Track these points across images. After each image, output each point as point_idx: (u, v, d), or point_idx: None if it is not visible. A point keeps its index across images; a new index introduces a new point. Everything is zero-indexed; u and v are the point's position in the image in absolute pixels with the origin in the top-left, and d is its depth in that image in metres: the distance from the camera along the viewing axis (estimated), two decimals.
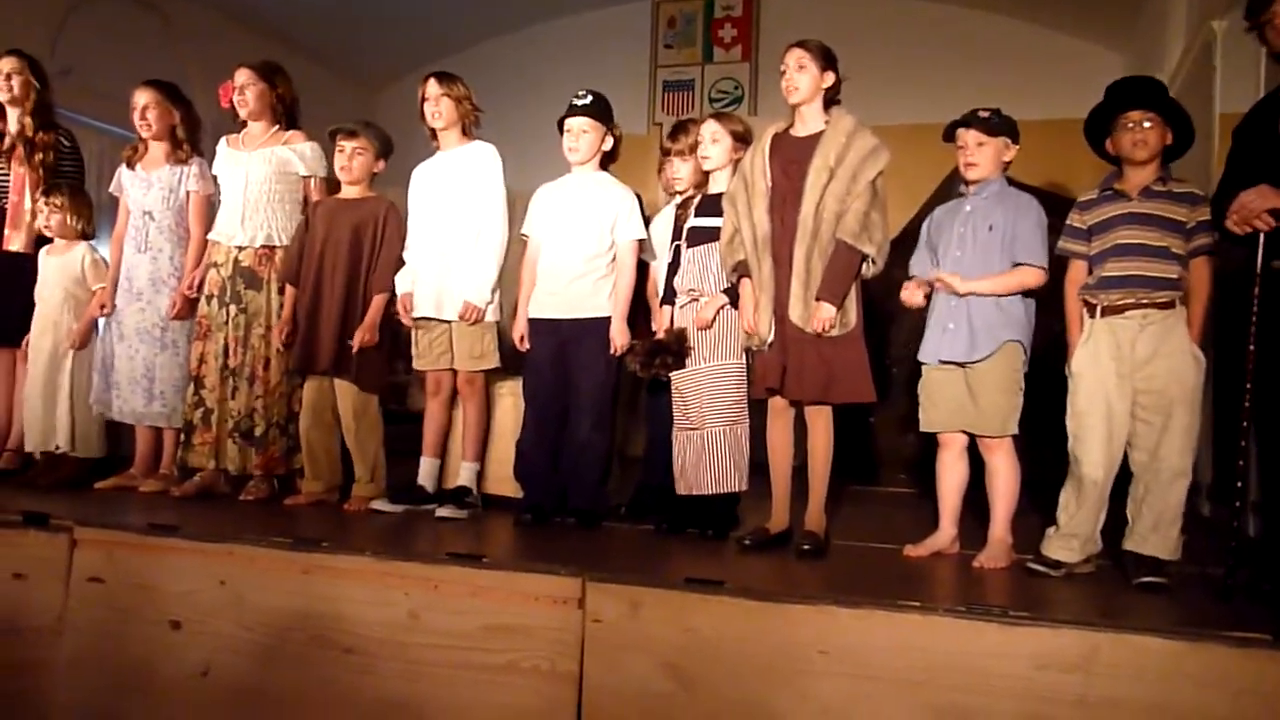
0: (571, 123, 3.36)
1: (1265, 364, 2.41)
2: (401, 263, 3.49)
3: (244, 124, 3.71)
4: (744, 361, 3.05)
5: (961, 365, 2.79)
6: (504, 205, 3.42)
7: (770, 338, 2.88)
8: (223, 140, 3.74)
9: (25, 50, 4.04)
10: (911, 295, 2.92)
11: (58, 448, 3.79)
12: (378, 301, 3.48)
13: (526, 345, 3.36)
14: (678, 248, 3.22)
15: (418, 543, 2.92)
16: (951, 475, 2.88)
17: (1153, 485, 2.55)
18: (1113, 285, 2.60)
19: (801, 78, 2.89)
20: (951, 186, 3.37)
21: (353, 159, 3.53)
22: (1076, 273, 2.73)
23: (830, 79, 2.91)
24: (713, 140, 3.12)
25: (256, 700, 2.63)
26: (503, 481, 3.53)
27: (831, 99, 2.93)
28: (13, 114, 3.96)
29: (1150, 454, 2.55)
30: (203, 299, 3.63)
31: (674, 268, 3.23)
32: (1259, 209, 2.38)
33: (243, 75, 3.64)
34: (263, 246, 3.60)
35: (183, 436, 3.60)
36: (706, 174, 3.21)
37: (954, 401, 2.81)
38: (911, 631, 2.17)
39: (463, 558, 2.60)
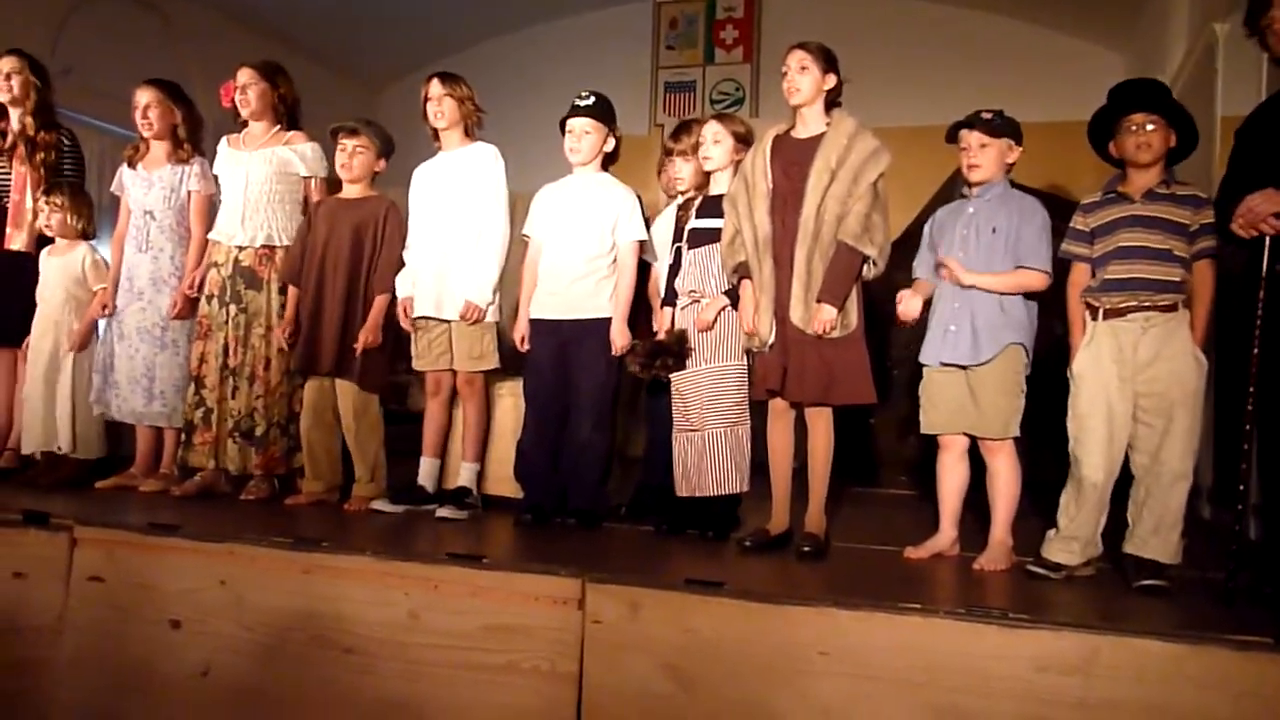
0: (573, 123, 3.36)
1: (1268, 367, 2.41)
2: (402, 263, 3.49)
3: (245, 124, 3.71)
4: (745, 363, 3.05)
5: (963, 368, 2.79)
6: (506, 206, 3.42)
7: (771, 339, 2.88)
8: (223, 140, 3.75)
9: (26, 49, 4.04)
10: (908, 306, 2.91)
11: (59, 448, 3.79)
12: (380, 302, 3.49)
13: (526, 346, 3.36)
14: (679, 249, 3.23)
15: (418, 543, 2.92)
16: (952, 477, 2.88)
17: (1153, 488, 2.54)
18: (1115, 288, 2.60)
19: (803, 79, 2.89)
20: (953, 188, 3.37)
21: (353, 157, 3.53)
22: (1079, 275, 2.73)
23: (831, 81, 2.91)
24: (714, 141, 3.12)
25: (257, 700, 2.63)
26: (503, 482, 3.53)
27: (833, 101, 2.94)
28: (14, 114, 3.96)
29: (1151, 457, 2.55)
30: (203, 299, 3.63)
31: (675, 269, 3.23)
32: (1265, 212, 2.38)
33: (244, 75, 3.64)
34: (263, 246, 3.60)
35: (183, 436, 3.60)
36: (708, 175, 3.21)
37: (955, 403, 2.81)
38: (912, 633, 2.17)
39: (463, 558, 2.60)
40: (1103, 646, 2.05)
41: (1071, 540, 2.61)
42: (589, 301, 3.31)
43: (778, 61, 2.97)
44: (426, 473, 3.50)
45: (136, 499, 3.51)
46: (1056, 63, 6.36)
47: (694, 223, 3.17)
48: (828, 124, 2.90)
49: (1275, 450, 2.52)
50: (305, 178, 3.70)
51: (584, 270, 3.31)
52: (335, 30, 6.92)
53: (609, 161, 3.46)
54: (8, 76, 3.90)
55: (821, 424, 2.89)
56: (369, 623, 2.56)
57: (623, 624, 2.36)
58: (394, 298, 3.49)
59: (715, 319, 3.06)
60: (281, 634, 2.63)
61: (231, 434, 3.54)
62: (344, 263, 3.49)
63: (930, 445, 2.99)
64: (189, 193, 3.76)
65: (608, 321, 3.29)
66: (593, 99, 3.36)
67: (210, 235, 3.67)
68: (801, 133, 2.94)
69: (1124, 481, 2.62)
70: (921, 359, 2.90)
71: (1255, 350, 2.40)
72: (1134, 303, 2.57)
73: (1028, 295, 2.79)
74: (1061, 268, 2.77)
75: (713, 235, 3.07)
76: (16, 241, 3.95)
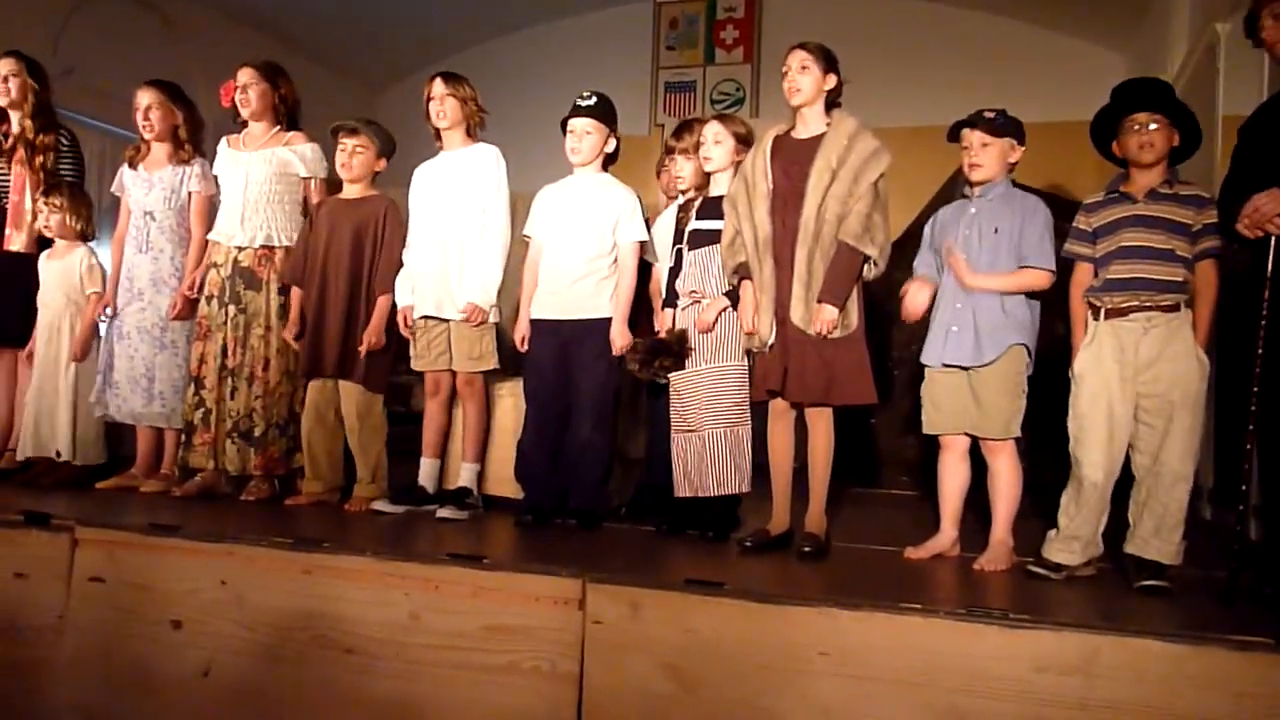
0: (575, 123, 3.36)
1: (1270, 368, 2.40)
2: (402, 263, 3.49)
3: (244, 124, 3.72)
4: (745, 363, 3.05)
5: (965, 368, 2.79)
6: (507, 207, 3.42)
7: (771, 339, 2.88)
8: (223, 140, 3.75)
9: (27, 50, 4.05)
10: (914, 299, 2.90)
11: (58, 454, 3.79)
12: (382, 303, 3.49)
13: (526, 346, 3.36)
14: (679, 251, 3.22)
15: (418, 543, 2.92)
16: (953, 477, 2.88)
17: (1154, 489, 2.54)
18: (1117, 288, 2.60)
19: (804, 79, 2.89)
20: (954, 188, 3.37)
21: (353, 157, 3.53)
22: (1082, 275, 2.72)
23: (832, 81, 2.91)
24: (715, 142, 3.12)
25: (257, 700, 2.63)
26: (503, 482, 3.53)
27: (833, 101, 2.94)
28: (14, 116, 3.96)
29: (1152, 457, 2.55)
30: (202, 299, 3.63)
31: (675, 271, 3.23)
32: (1271, 213, 2.37)
33: (246, 75, 3.64)
34: (262, 247, 3.60)
35: (183, 437, 3.60)
36: (708, 175, 3.21)
37: (957, 404, 2.81)
38: (912, 633, 2.17)
39: (463, 558, 2.60)
40: (1103, 647, 2.05)
41: (1072, 540, 2.61)
42: (590, 302, 3.31)
43: (778, 62, 2.97)
44: (427, 473, 3.50)
45: (137, 499, 3.51)
46: (1057, 63, 6.35)
47: (694, 224, 3.17)
48: (828, 124, 2.90)
49: (1276, 451, 2.52)
50: (305, 178, 3.70)
51: (584, 270, 3.31)
52: (335, 30, 6.92)
53: (609, 162, 3.46)
54: (5, 79, 3.90)
55: (822, 424, 2.89)
56: (369, 623, 2.56)
57: (623, 624, 2.36)
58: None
59: (716, 320, 3.06)
60: (282, 634, 2.63)
61: (230, 434, 3.54)
62: (345, 264, 3.49)
63: (931, 445, 2.99)
64: (189, 193, 3.76)
65: (608, 322, 3.29)
66: (594, 99, 3.36)
67: (210, 236, 3.67)
68: (802, 133, 2.94)
69: (1125, 482, 2.62)
70: (923, 359, 2.90)
71: (1259, 351, 2.40)
72: (1136, 303, 2.57)
73: (1030, 295, 2.79)
74: (1064, 267, 2.77)
75: (713, 236, 3.07)
76: (16, 243, 3.95)
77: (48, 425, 3.82)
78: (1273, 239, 2.40)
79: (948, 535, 2.89)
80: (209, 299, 3.61)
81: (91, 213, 3.98)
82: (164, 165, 3.76)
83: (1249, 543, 2.55)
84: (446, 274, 3.39)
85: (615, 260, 3.34)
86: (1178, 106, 2.65)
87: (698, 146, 3.22)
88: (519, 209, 3.47)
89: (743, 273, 2.95)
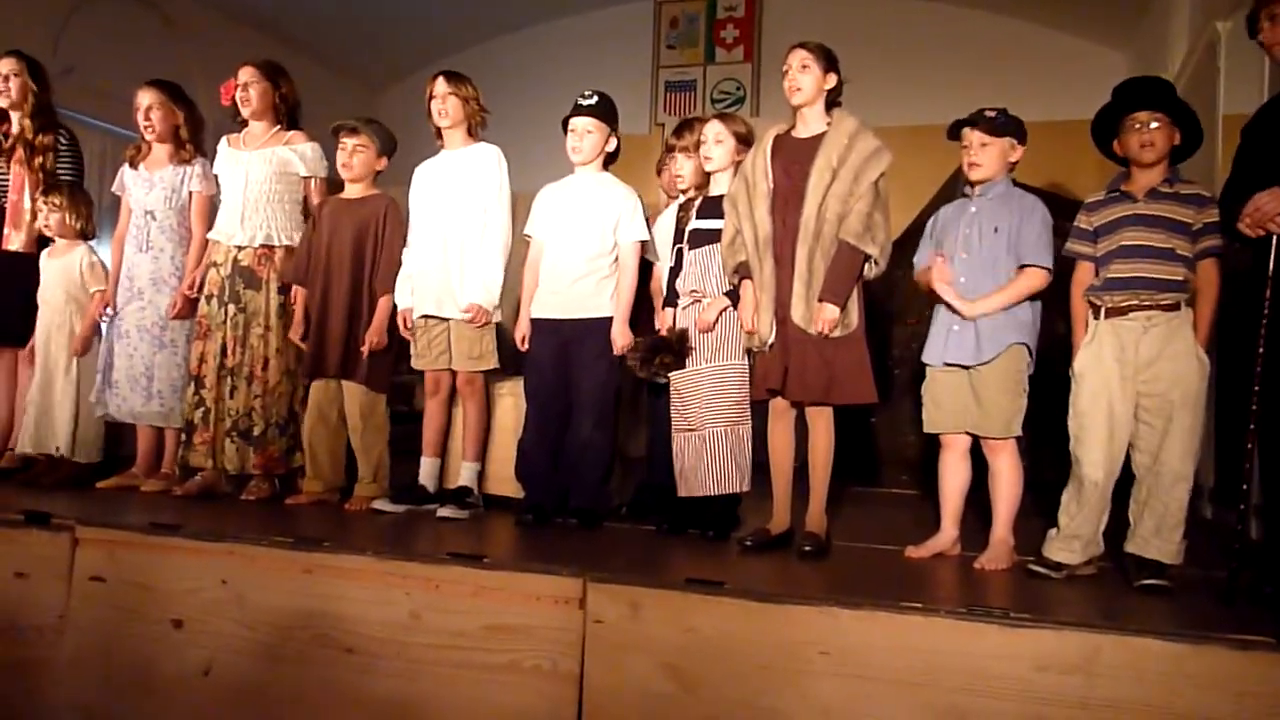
0: (576, 122, 3.36)
1: (1271, 367, 2.40)
2: (402, 263, 3.49)
3: (244, 123, 3.72)
4: (745, 362, 3.05)
5: (966, 367, 2.79)
6: (509, 207, 3.42)
7: (771, 339, 2.88)
8: (224, 140, 3.75)
9: (27, 49, 4.05)
10: (941, 271, 2.82)
11: (57, 450, 3.79)
12: (383, 303, 3.49)
13: (526, 346, 3.36)
14: (679, 250, 3.22)
15: (419, 542, 2.92)
16: (954, 476, 2.88)
17: (1154, 488, 2.54)
18: (1117, 286, 2.59)
19: (804, 78, 2.89)
20: (954, 187, 3.36)
21: (353, 156, 3.54)
22: (1083, 274, 2.72)
23: (832, 80, 2.91)
24: (716, 141, 3.12)
25: (258, 700, 2.63)
26: (504, 481, 3.53)
27: (833, 100, 2.93)
28: (13, 116, 3.96)
29: (1152, 456, 2.54)
30: (202, 298, 3.63)
31: (676, 270, 3.23)
32: (1273, 212, 2.37)
33: (247, 73, 3.65)
34: (262, 246, 3.60)
35: (183, 436, 3.60)
36: (708, 174, 3.21)
37: (958, 403, 2.81)
38: (913, 633, 2.17)
39: (464, 558, 2.60)
40: (1104, 646, 2.05)
41: (1073, 539, 2.61)
42: (590, 301, 3.31)
43: (778, 61, 2.97)
44: (427, 472, 3.50)
45: (138, 499, 3.51)
46: (1058, 62, 6.35)
47: (694, 223, 3.17)
48: (828, 123, 2.90)
49: (1277, 450, 2.52)
50: (305, 177, 3.70)
51: (585, 270, 3.31)
52: (336, 30, 6.93)
53: (609, 161, 3.46)
54: (6, 79, 3.90)
55: (822, 423, 2.89)
56: (370, 622, 2.56)
57: (624, 623, 2.35)
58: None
59: (716, 319, 3.06)
60: (283, 634, 2.62)
61: (229, 434, 3.54)
62: (347, 263, 3.50)
63: (931, 444, 2.99)
64: (190, 193, 3.76)
65: (609, 321, 3.29)
66: (596, 98, 3.36)
67: (209, 235, 3.68)
68: (802, 132, 2.94)
69: (1126, 481, 2.62)
70: (924, 358, 2.90)
71: (1260, 350, 2.39)
72: (1136, 302, 2.57)
73: (1031, 295, 2.79)
74: (1066, 266, 2.76)
75: (713, 236, 3.07)
76: (14, 242, 3.96)
77: (48, 422, 3.82)
78: (1274, 238, 2.40)
79: (948, 534, 2.89)
80: (209, 298, 3.61)
81: (91, 211, 3.98)
82: (165, 165, 3.76)
83: (1249, 542, 2.54)
84: (447, 273, 3.39)
85: (616, 259, 3.34)
86: (1179, 105, 2.65)
87: (698, 145, 3.22)
88: (519, 208, 3.47)
89: (743, 272, 2.95)
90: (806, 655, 2.21)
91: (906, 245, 3.21)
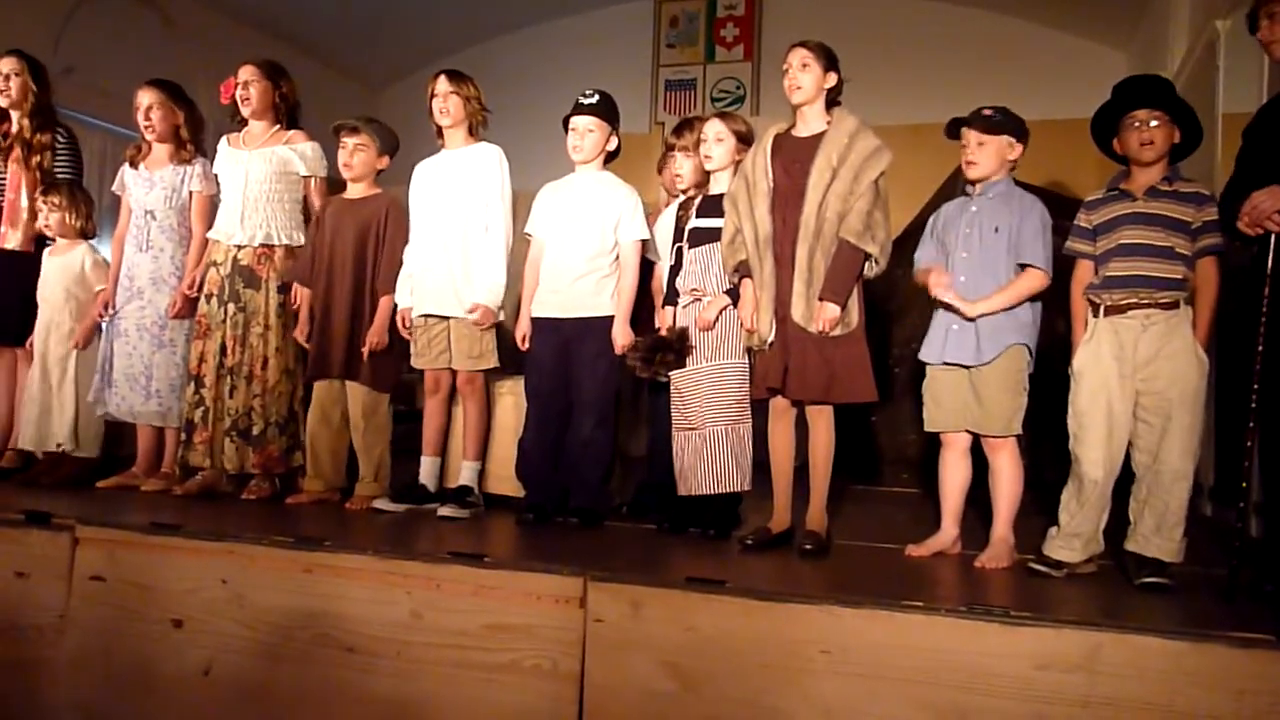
0: (577, 121, 3.36)
1: (1271, 365, 2.40)
2: (403, 263, 3.49)
3: (243, 122, 3.72)
4: (745, 361, 3.05)
5: (966, 366, 2.78)
6: (509, 207, 3.42)
7: (771, 337, 2.88)
8: (223, 139, 3.75)
9: (28, 48, 4.05)
10: (939, 278, 2.81)
11: (59, 445, 3.79)
12: (385, 303, 3.49)
13: (526, 345, 3.36)
14: (680, 249, 3.22)
15: (419, 542, 2.92)
16: (954, 475, 2.88)
17: (1154, 487, 2.54)
18: (1116, 285, 2.59)
19: (805, 77, 2.88)
20: (954, 186, 3.36)
21: (354, 155, 3.54)
22: (1083, 272, 2.72)
23: (832, 79, 2.91)
24: (716, 140, 3.12)
25: (258, 699, 2.63)
26: (504, 481, 3.53)
27: (833, 99, 2.93)
28: (13, 115, 3.96)
29: (1151, 455, 2.54)
30: (202, 298, 3.63)
31: (676, 269, 3.23)
32: (1270, 210, 2.37)
33: (247, 71, 3.65)
34: (261, 245, 3.60)
35: (183, 436, 3.61)
36: (708, 173, 3.21)
37: (958, 401, 2.81)
38: (913, 631, 2.17)
39: (464, 557, 2.60)
40: (1105, 644, 2.05)
41: (1073, 538, 2.61)
42: (591, 300, 3.30)
43: (778, 59, 2.97)
44: (427, 471, 3.50)
45: (138, 498, 3.51)
46: (1058, 61, 6.36)
47: (694, 222, 3.17)
48: (828, 122, 2.90)
49: (1277, 448, 2.52)
50: (305, 177, 3.69)
51: (586, 269, 3.31)
52: (336, 30, 6.93)
53: (609, 160, 3.45)
54: (6, 78, 3.90)
55: (822, 422, 2.89)
56: (371, 622, 2.56)
57: (624, 623, 2.35)
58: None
59: (716, 318, 3.06)
60: (283, 633, 2.62)
61: (229, 433, 3.54)
62: (350, 264, 3.50)
63: (932, 443, 2.99)
64: (190, 193, 3.76)
65: (609, 320, 3.29)
66: (597, 97, 3.36)
67: (209, 234, 3.67)
68: (802, 131, 2.94)
69: (1126, 479, 2.62)
70: (923, 357, 2.89)
71: (1259, 348, 2.39)
72: (1135, 300, 2.57)
73: (1032, 295, 2.78)
74: (1065, 264, 2.76)
75: (713, 234, 3.07)
76: (11, 241, 3.95)
77: (48, 420, 3.82)
78: (1273, 236, 2.40)
79: (949, 533, 2.89)
80: (208, 297, 3.60)
81: (91, 210, 3.98)
82: (165, 164, 3.75)
83: (1250, 540, 2.54)
84: (449, 272, 3.39)
85: (616, 258, 3.34)
86: (1178, 104, 2.65)
87: (698, 144, 3.22)
88: (520, 207, 3.47)
89: (743, 271, 2.95)
90: (807, 654, 2.21)
91: (906, 244, 3.21)
